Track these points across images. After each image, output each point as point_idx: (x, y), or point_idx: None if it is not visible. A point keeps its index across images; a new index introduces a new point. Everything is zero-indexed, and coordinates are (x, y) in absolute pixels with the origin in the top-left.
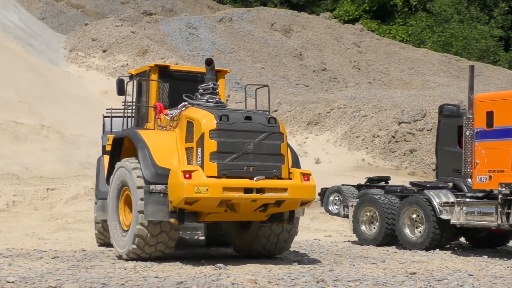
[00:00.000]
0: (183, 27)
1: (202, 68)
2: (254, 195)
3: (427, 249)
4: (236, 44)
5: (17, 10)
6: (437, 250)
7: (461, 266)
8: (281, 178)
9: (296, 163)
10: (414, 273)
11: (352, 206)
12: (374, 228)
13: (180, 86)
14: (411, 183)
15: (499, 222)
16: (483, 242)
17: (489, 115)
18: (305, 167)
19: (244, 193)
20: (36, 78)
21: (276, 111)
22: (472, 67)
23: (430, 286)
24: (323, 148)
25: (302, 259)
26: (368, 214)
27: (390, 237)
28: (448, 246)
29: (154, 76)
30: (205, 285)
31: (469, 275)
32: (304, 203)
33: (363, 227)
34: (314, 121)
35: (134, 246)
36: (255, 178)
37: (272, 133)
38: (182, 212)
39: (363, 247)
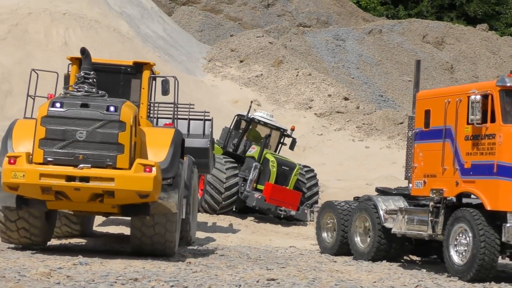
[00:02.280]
0: (330, 39)
1: (124, 61)
2: (76, 184)
3: (374, 260)
4: (383, 56)
5: (162, 21)
6: (384, 261)
7: (362, 277)
8: (116, 168)
9: (173, 157)
10: (272, 279)
11: (316, 211)
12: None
13: (102, 78)
14: (376, 189)
15: (430, 231)
16: None
17: (427, 114)
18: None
19: (66, 181)
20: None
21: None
22: (418, 62)
23: None
24: None
25: (201, 262)
26: (332, 221)
27: (347, 246)
28: (418, 260)
29: (74, 68)
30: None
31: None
32: (144, 196)
33: (324, 235)
34: None
35: None
36: (79, 166)
37: (110, 121)
38: (20, 198)
39: (312, 255)
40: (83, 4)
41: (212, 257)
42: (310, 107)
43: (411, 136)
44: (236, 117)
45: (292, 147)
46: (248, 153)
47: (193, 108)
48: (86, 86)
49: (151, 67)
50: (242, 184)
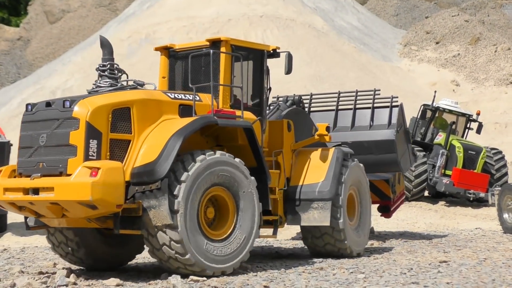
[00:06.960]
0: None
1: (200, 42)
2: (30, 197)
3: None
4: None
5: (356, 11)
6: None
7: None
8: (68, 175)
9: (167, 151)
10: (443, 261)
11: (497, 194)
12: None
13: (185, 66)
14: None
15: None
16: None
17: None
18: None
19: (24, 194)
20: (363, 76)
21: None
22: None
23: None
24: None
25: (384, 249)
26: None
27: None
28: None
29: (163, 58)
30: None
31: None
32: (90, 206)
33: (505, 215)
34: None
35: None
36: (31, 176)
37: (65, 119)
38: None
39: (493, 236)
40: (278, 5)
41: (396, 243)
42: (511, 82)
43: None
44: (422, 106)
45: (479, 131)
46: (435, 141)
47: (379, 94)
48: (99, 81)
49: (229, 44)
50: (431, 171)
